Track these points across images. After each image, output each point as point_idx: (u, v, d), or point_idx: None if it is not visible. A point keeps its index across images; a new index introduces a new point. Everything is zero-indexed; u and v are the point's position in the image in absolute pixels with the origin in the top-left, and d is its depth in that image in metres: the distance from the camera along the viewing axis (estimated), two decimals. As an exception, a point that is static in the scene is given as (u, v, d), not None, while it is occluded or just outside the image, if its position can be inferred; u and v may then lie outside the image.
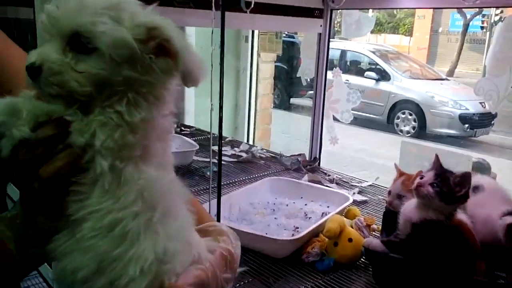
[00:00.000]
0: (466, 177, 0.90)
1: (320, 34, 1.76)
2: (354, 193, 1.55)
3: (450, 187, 0.89)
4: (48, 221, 0.51)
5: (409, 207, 0.95)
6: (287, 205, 1.38)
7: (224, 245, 0.63)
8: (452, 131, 6.74)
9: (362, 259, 1.10)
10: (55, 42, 0.49)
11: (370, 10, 2.19)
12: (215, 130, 0.96)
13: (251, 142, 3.41)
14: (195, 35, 2.85)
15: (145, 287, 0.50)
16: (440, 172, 0.93)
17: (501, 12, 9.56)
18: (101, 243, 0.49)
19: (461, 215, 0.93)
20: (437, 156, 0.96)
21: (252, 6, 1.38)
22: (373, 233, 1.22)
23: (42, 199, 0.51)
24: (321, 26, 1.73)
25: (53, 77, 0.48)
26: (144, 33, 0.49)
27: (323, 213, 1.30)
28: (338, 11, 1.79)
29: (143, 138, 0.51)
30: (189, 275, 0.55)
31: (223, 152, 1.87)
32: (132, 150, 0.50)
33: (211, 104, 0.89)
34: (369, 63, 7.89)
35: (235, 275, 0.63)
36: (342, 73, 1.81)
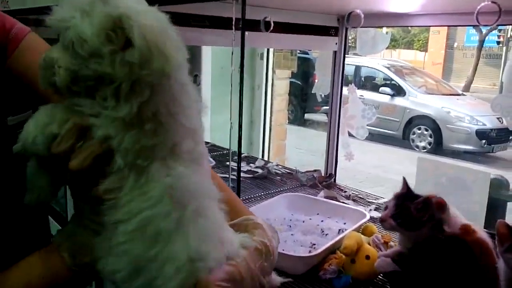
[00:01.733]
0: (427, 203, 0.86)
1: (336, 52, 1.78)
2: (370, 210, 1.55)
3: (412, 216, 0.86)
4: (92, 217, 0.54)
5: None
6: (303, 222, 1.38)
7: (259, 238, 0.64)
8: (469, 147, 6.67)
9: (379, 276, 1.10)
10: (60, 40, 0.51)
11: (385, 27, 2.20)
12: (232, 146, 0.97)
13: (266, 158, 3.42)
14: (211, 54, 2.91)
15: (181, 284, 0.52)
16: (400, 202, 0.90)
17: (517, 26, 9.50)
18: (134, 246, 0.51)
19: (481, 233, 0.89)
20: (404, 180, 0.93)
21: (272, 28, 1.39)
22: (391, 250, 1.21)
23: (78, 190, 0.54)
24: (336, 44, 1.75)
25: (42, 71, 0.51)
26: (110, 24, 0.47)
27: (339, 229, 1.30)
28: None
29: (162, 136, 0.51)
30: (220, 271, 0.56)
31: (239, 168, 1.88)
32: (155, 150, 0.51)
33: (231, 123, 0.91)
34: (384, 79, 7.88)
35: (272, 266, 0.64)
36: (357, 88, 1.82)
